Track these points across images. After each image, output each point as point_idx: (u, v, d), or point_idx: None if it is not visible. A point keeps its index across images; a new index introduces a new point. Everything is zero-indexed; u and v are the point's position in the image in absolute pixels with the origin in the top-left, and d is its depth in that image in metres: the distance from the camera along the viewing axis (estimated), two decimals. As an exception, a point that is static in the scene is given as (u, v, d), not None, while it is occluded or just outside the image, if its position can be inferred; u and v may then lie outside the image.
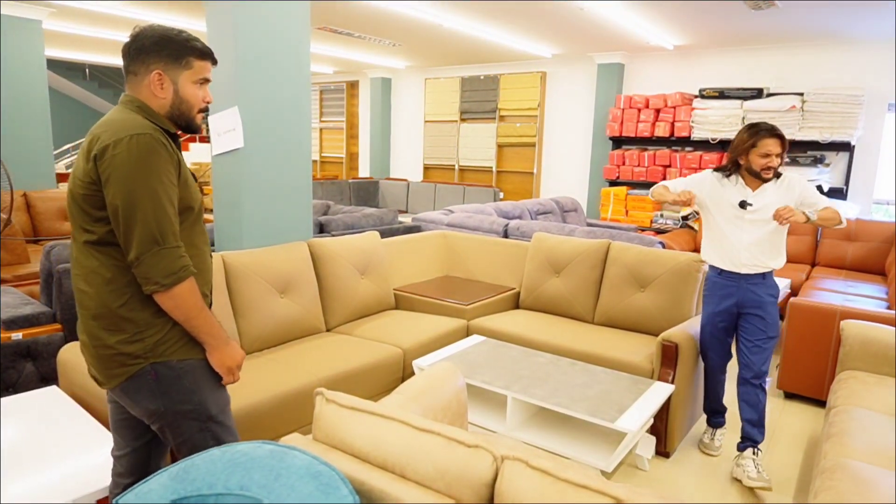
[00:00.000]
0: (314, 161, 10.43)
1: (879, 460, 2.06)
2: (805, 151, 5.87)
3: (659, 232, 6.68)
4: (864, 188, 5.92)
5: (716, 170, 2.71)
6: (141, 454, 1.64)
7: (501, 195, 8.28)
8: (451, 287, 3.85)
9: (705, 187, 2.71)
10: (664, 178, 6.67)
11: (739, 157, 2.57)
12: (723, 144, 6.32)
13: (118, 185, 1.35)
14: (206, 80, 1.55)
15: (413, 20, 5.78)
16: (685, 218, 6.48)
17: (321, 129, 10.61)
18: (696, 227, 6.36)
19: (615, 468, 2.57)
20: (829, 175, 5.85)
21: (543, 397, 2.45)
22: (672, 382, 2.75)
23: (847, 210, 5.63)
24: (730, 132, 6.14)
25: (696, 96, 6.44)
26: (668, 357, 2.76)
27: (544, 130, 8.02)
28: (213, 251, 3.21)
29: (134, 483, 1.55)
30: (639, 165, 6.85)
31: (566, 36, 6.26)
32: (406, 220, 5.04)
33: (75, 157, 7.11)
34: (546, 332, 3.27)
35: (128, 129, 1.38)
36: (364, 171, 10.17)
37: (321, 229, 4.08)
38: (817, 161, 5.79)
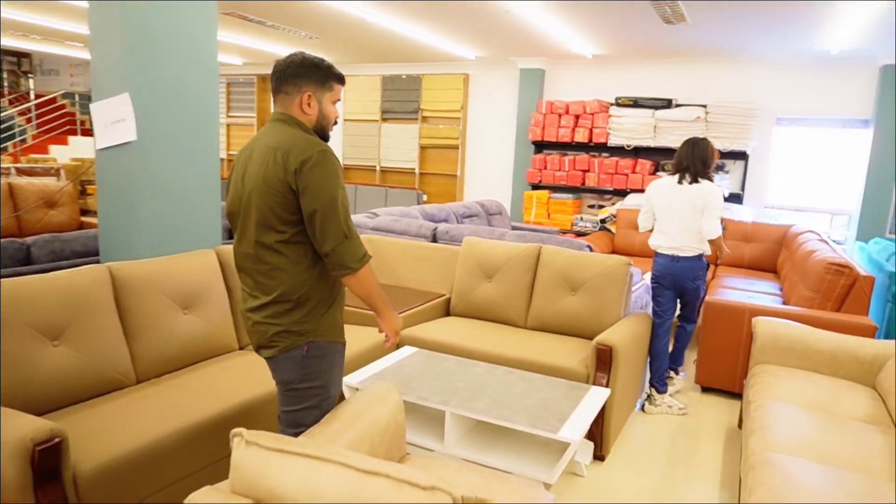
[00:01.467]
0: (220, 160, 9.91)
1: (801, 452, 2.18)
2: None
3: (579, 234, 6.88)
4: (757, 194, 6.39)
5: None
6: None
7: (425, 197, 8.23)
8: (381, 294, 3.74)
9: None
10: (583, 183, 6.90)
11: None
12: (637, 151, 6.61)
13: (315, 191, 1.68)
14: (338, 100, 1.89)
15: (334, 11, 5.58)
16: (603, 221, 6.72)
17: (228, 125, 10.07)
18: (613, 229, 6.61)
19: (554, 475, 2.58)
20: (729, 181, 6.26)
21: (483, 410, 2.41)
22: (607, 386, 2.80)
23: (743, 214, 6.05)
24: (642, 139, 6.43)
25: (612, 104, 6.70)
26: (603, 360, 2.81)
27: (467, 133, 8.06)
28: (97, 261, 2.93)
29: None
30: (560, 170, 7.02)
31: (490, 38, 6.31)
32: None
33: None
34: (480, 339, 3.24)
35: (314, 146, 1.71)
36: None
37: (230, 235, 3.83)
38: (719, 168, 6.18)
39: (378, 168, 8.72)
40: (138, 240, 2.84)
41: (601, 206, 7.18)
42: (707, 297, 3.71)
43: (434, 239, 4.34)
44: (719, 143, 6.08)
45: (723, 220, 5.83)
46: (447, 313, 3.83)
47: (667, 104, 6.31)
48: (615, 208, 6.63)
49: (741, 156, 6.17)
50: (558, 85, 7.34)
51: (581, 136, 6.80)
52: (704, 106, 6.15)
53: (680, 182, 3.40)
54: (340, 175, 1.76)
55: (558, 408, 2.44)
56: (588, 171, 6.87)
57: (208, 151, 3.09)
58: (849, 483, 1.95)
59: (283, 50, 7.89)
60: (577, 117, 6.85)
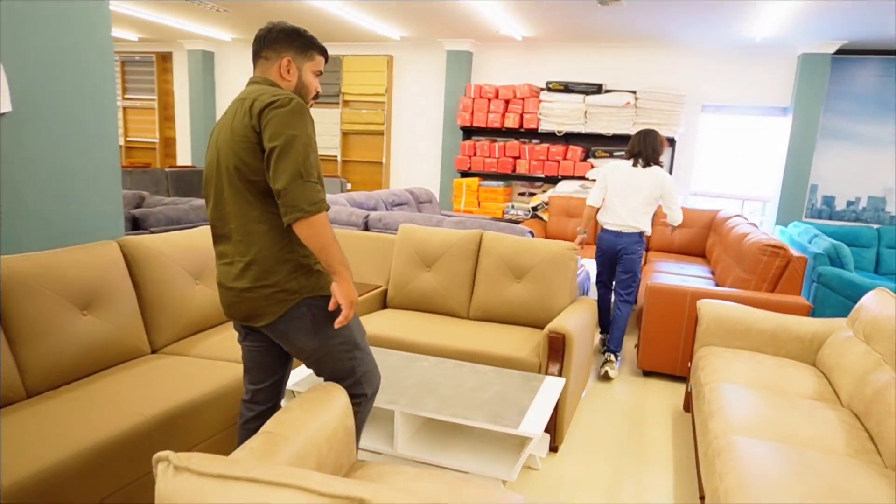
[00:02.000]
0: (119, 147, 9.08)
1: (760, 433, 2.13)
2: (637, 145, 6.32)
3: (511, 223, 6.81)
4: (684, 180, 6.55)
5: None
6: (277, 386, 1.98)
7: (349, 186, 7.89)
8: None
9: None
10: (514, 170, 6.81)
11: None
12: (567, 137, 6.60)
13: (276, 129, 1.59)
14: (320, 73, 1.87)
15: (251, -12, 5.15)
16: (535, 209, 6.67)
17: (125, 108, 9.19)
18: (544, 217, 6.57)
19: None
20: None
21: (437, 408, 2.20)
22: (561, 375, 2.67)
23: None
24: (573, 125, 6.41)
25: (543, 89, 6.64)
26: (556, 349, 2.68)
27: (392, 118, 7.78)
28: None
29: (269, 410, 1.96)
30: (490, 156, 6.90)
31: (415, 18, 6.06)
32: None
33: None
34: (424, 331, 3.03)
35: (285, 94, 1.64)
36: (184, 158, 9.06)
37: (135, 225, 3.40)
38: (647, 154, 6.27)
39: (300, 155, 8.26)
40: (22, 230, 2.41)
41: (532, 194, 7.14)
42: (650, 283, 3.69)
43: (366, 227, 4.07)
44: (646, 130, 6.16)
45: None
46: (384, 306, 3.58)
47: (597, 89, 6.33)
48: (547, 195, 6.60)
49: (670, 142, 6.29)
50: (487, 68, 7.21)
51: (511, 122, 6.70)
52: (634, 92, 6.20)
53: (634, 165, 3.81)
54: (310, 125, 1.65)
55: (515, 401, 2.27)
56: (519, 157, 6.79)
57: (105, 132, 2.71)
58: (812, 462, 1.91)
59: (187, 24, 7.25)
60: (508, 102, 6.75)
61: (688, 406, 3.28)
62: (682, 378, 3.72)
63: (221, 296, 1.80)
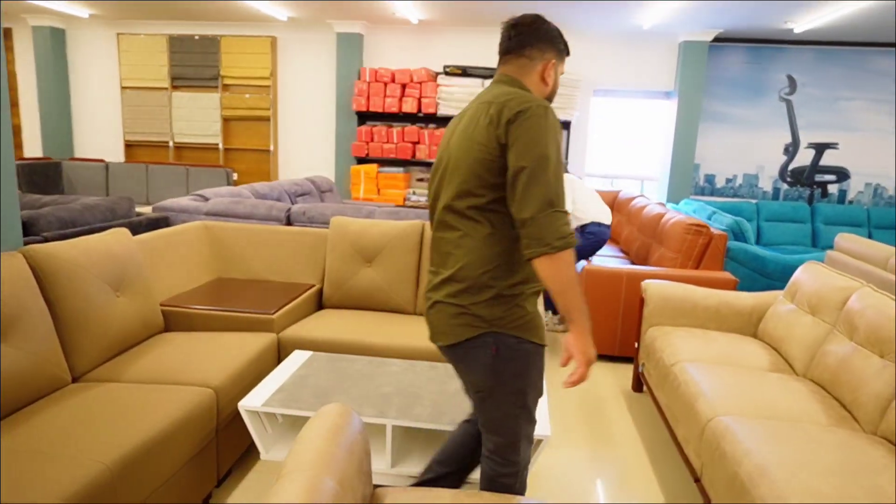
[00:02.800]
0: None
1: (744, 411, 2.18)
2: (537, 129, 6.42)
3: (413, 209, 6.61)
4: (579, 162, 6.78)
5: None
6: None
7: (235, 176, 7.23)
8: (234, 292, 3.01)
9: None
10: (413, 156, 6.62)
11: None
12: (467, 121, 6.51)
13: (527, 146, 1.38)
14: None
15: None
16: (438, 194, 6.53)
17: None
18: (448, 202, 6.46)
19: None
20: (557, 151, 6.51)
21: (431, 417, 1.99)
22: (534, 369, 2.57)
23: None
24: (474, 109, 6.34)
25: (440, 73, 6.49)
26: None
27: (279, 103, 7.21)
28: None
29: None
30: (388, 142, 6.64)
31: (309, -4, 5.61)
32: (145, 210, 3.86)
33: None
34: (377, 332, 2.77)
35: (535, 100, 1.42)
36: (33, 149, 7.79)
37: (24, 231, 2.79)
38: (547, 138, 6.39)
39: (171, 144, 7.41)
40: None
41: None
42: (587, 266, 3.71)
43: (289, 222, 3.68)
44: (546, 114, 6.26)
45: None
46: (319, 306, 3.25)
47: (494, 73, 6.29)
48: (450, 181, 6.48)
49: (566, 126, 6.45)
50: (380, 51, 6.90)
51: (409, 107, 6.48)
52: (530, 77, 6.25)
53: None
54: (559, 139, 1.44)
55: (510, 403, 2.12)
56: (418, 142, 6.61)
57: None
58: (811, 436, 1.97)
59: (29, -8, 6.14)
60: (405, 86, 6.51)
61: (637, 386, 3.35)
62: (622, 359, 3.80)
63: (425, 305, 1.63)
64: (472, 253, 1.48)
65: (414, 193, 6.69)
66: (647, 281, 3.24)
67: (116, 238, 2.55)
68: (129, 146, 7.54)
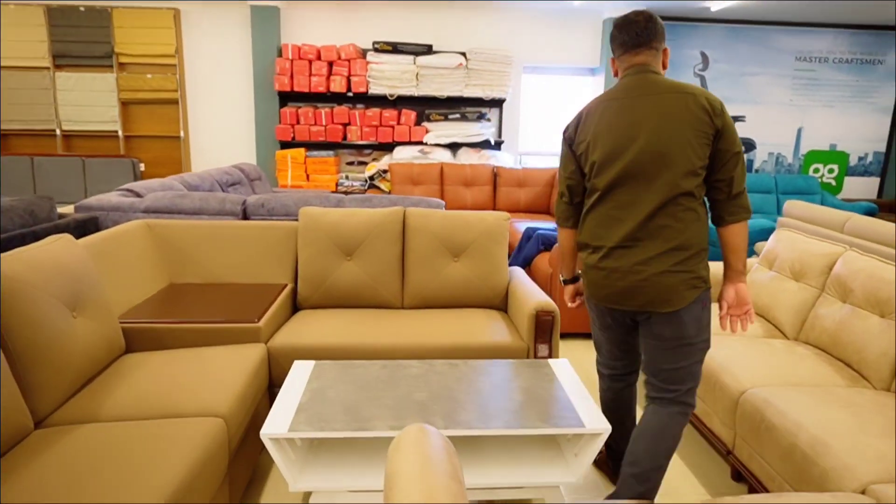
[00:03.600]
0: None
1: (770, 380, 2.22)
2: (471, 107, 6.31)
3: (346, 195, 6.30)
4: (513, 140, 6.75)
5: None
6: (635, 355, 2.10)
7: (142, 166, 6.50)
8: (198, 300, 2.65)
9: None
10: (344, 138, 6.27)
11: None
12: (400, 101, 6.26)
13: (734, 135, 1.72)
14: None
15: None
16: (371, 179, 6.25)
17: None
18: (384, 187, 6.21)
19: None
20: (493, 129, 6.44)
21: (482, 421, 1.83)
22: (551, 355, 2.47)
23: (505, 160, 6.33)
24: (406, 88, 6.10)
25: (369, 50, 6.16)
26: (544, 329, 2.46)
27: (188, 83, 6.53)
28: None
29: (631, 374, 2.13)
30: (315, 124, 6.24)
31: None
32: (67, 210, 3.31)
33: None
34: (375, 332, 2.55)
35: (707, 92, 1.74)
36: None
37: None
38: (482, 117, 6.30)
39: (59, 132, 6.50)
40: None
41: (361, 163, 6.68)
42: (556, 245, 3.67)
43: (245, 216, 3.29)
44: (480, 91, 6.15)
45: (496, 168, 5.99)
46: (295, 308, 2.95)
47: (427, 50, 6.08)
48: (384, 163, 6.23)
49: (499, 103, 6.38)
50: (300, 27, 6.43)
51: (338, 86, 6.11)
52: (463, 53, 6.10)
53: None
54: None
55: (545, 395, 2.01)
56: (349, 123, 6.27)
57: None
58: (845, 400, 2.03)
59: None
60: (331, 64, 6.12)
61: None
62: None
63: (620, 282, 1.78)
64: (694, 224, 1.73)
65: (347, 178, 6.36)
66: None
67: (63, 246, 2.12)
68: (5, 136, 6.53)
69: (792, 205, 3.78)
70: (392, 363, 2.24)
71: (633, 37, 1.77)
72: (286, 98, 6.38)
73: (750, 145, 7.10)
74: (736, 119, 6.98)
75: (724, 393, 2.26)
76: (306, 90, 6.10)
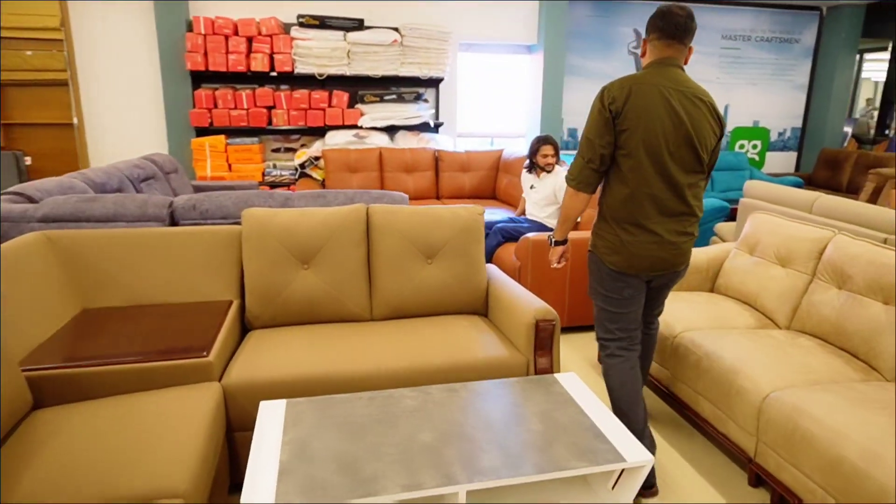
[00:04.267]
0: None
1: (790, 381, 2.07)
2: (407, 87, 5.91)
3: (274, 186, 5.76)
4: (451, 122, 6.42)
5: (524, 169, 4.21)
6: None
7: (28, 160, 5.62)
8: (122, 329, 2.16)
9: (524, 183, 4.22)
10: (270, 123, 5.69)
11: (533, 157, 4.02)
12: (331, 81, 5.76)
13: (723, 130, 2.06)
14: None
15: None
16: (303, 167, 5.74)
17: None
18: (317, 176, 5.73)
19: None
20: (431, 111, 6.07)
21: (513, 465, 1.53)
22: (552, 369, 2.21)
23: (446, 143, 6.00)
24: (337, 66, 5.60)
25: (294, 24, 5.58)
26: (544, 338, 2.18)
27: (79, 62, 5.68)
28: None
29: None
30: (236, 108, 5.61)
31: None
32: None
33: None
34: (349, 354, 2.18)
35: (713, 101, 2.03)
36: None
37: None
38: (419, 98, 5.91)
39: (-82, 121, 5.48)
40: None
41: (289, 149, 6.13)
42: (524, 237, 3.41)
43: (173, 221, 2.77)
44: (417, 70, 5.76)
45: (438, 152, 5.65)
46: (243, 329, 2.51)
47: (358, 25, 5.59)
48: (316, 149, 5.72)
49: (437, 83, 6.01)
50: (212, -2, 5.73)
51: (259, 65, 5.50)
52: (397, 29, 5.67)
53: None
54: None
55: (569, 420, 1.75)
56: (274, 107, 5.69)
57: None
58: (863, 396, 1.91)
59: None
60: (251, 40, 5.50)
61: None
62: (573, 329, 3.60)
63: (662, 252, 2.00)
64: (701, 201, 2.06)
65: (274, 167, 5.79)
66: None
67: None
68: None
69: (752, 185, 3.72)
70: (380, 395, 1.89)
71: (672, 29, 1.92)
72: (200, 79, 5.70)
73: (681, 123, 7.16)
74: (668, 97, 7.00)
75: (742, 398, 2.09)
76: (223, 69, 5.45)
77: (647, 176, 1.92)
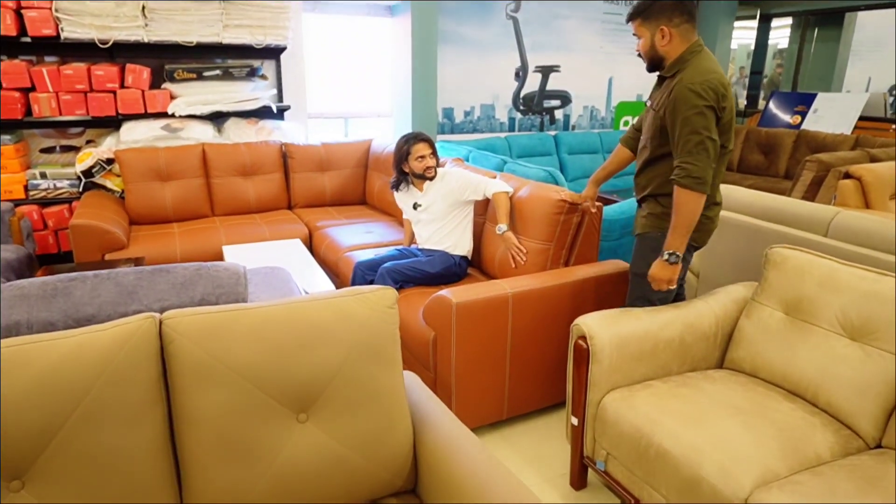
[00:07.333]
0: None
1: None
2: (236, 59, 4.38)
3: (45, 205, 4.02)
4: (300, 103, 4.97)
5: (392, 188, 3.06)
6: None
7: None
8: None
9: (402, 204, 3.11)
10: (28, 113, 3.87)
11: (402, 165, 2.93)
12: (123, 50, 4.04)
13: None
14: None
15: None
16: (89, 174, 4.01)
17: None
18: (113, 185, 4.05)
19: None
20: (272, 91, 4.59)
21: None
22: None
23: (297, 134, 4.61)
24: (129, 30, 3.91)
25: (50, -34, 3.76)
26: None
27: None
28: None
29: None
30: (-34, 91, 3.71)
31: None
32: None
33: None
34: None
35: None
36: None
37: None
38: (254, 73, 4.40)
39: None
40: None
41: (68, 149, 4.32)
42: (457, 302, 2.24)
43: None
44: (248, 36, 4.25)
45: (286, 147, 4.25)
46: None
47: (153, -29, 3.92)
48: (107, 148, 4.03)
49: (275, 53, 4.54)
50: None
51: (6, 28, 3.65)
52: (215, -22, 4.08)
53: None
54: None
55: None
56: (34, 88, 3.87)
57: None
58: None
59: None
60: (-20, -12, 3.61)
61: (580, 482, 2.11)
62: (511, 420, 2.52)
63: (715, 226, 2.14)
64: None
65: (44, 176, 4.00)
66: (584, 319, 1.97)
67: None
68: None
69: (730, 190, 2.83)
70: None
71: (693, 9, 1.98)
72: None
73: (566, 99, 6.38)
74: (552, 69, 6.16)
75: None
76: (-66, 33, 3.53)
77: (723, 159, 2.01)
